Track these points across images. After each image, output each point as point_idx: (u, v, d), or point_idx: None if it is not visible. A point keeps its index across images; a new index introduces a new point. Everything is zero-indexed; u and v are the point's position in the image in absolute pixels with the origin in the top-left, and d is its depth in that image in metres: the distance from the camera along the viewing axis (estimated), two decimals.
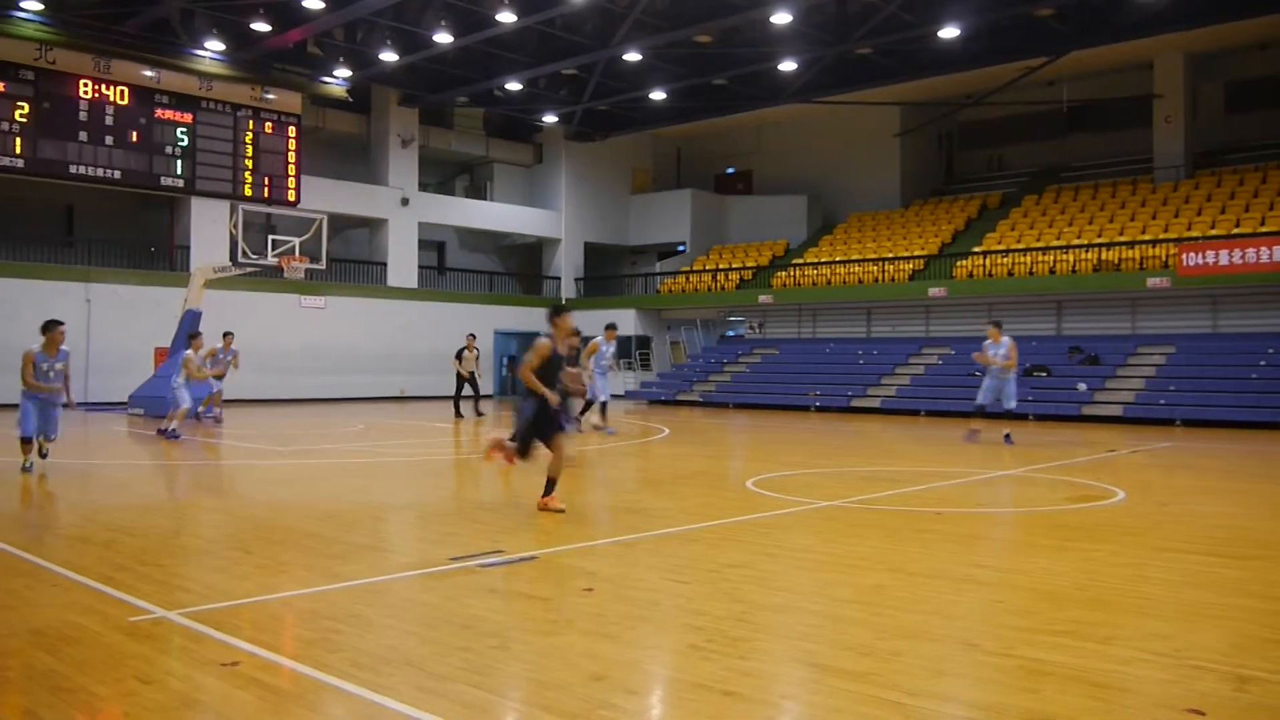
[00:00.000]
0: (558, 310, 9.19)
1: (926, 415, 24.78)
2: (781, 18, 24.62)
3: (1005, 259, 27.87)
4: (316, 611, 5.55)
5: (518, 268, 39.35)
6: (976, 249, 29.15)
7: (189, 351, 17.94)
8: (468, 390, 24.13)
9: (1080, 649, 4.79)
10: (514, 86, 31.27)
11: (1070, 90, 31.24)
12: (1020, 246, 28.24)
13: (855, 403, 26.90)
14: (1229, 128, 30.56)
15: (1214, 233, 25.19)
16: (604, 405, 18.79)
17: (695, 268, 36.17)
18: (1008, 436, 16.55)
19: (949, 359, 27.41)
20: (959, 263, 28.82)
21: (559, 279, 37.86)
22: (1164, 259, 24.83)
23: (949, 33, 25.52)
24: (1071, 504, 10.06)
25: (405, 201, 33.29)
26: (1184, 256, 24.02)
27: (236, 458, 14.44)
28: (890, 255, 30.72)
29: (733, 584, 6.22)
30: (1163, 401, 22.33)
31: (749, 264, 34.80)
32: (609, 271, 39.77)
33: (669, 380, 32.96)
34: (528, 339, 36.65)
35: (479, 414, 23.63)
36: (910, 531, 8.31)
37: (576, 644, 4.98)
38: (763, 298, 32.11)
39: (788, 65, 28.56)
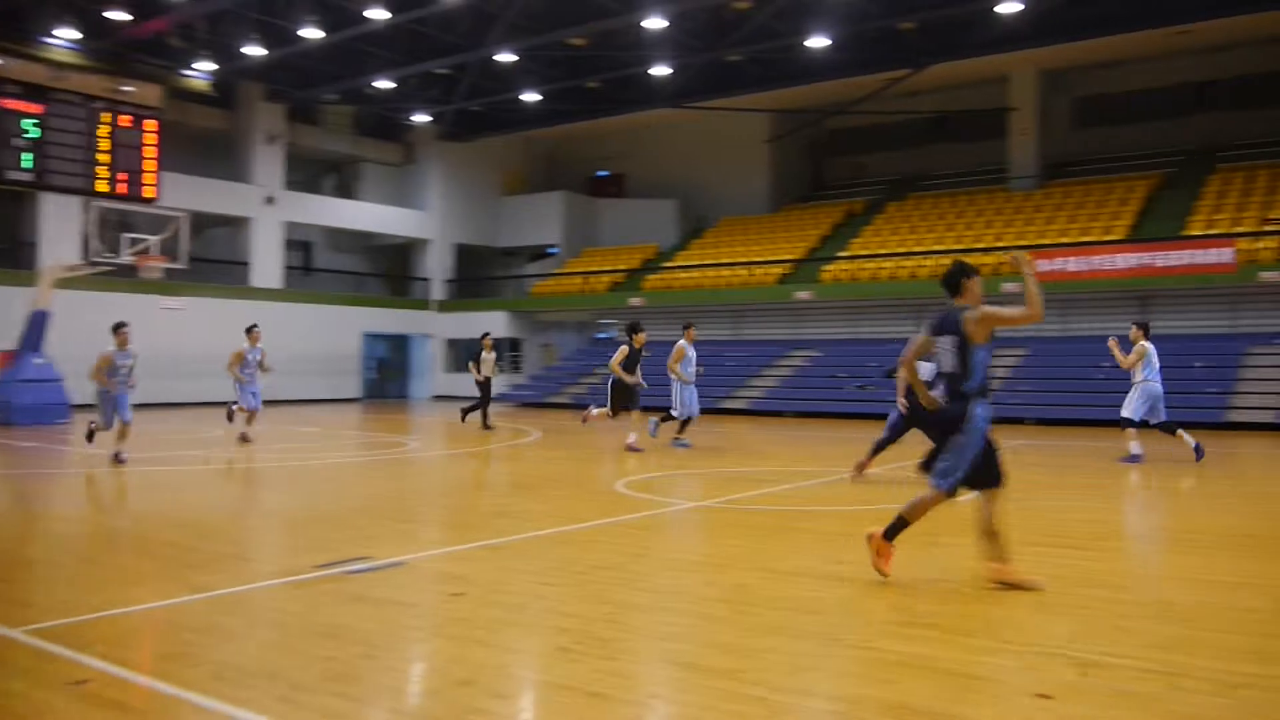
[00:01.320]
0: (967, 270, 6.22)
1: (793, 416, 25.29)
2: (655, 23, 24.85)
3: (869, 264, 28.66)
4: (175, 623, 5.38)
5: (386, 269, 38.70)
6: (842, 254, 29.90)
7: (110, 349, 13.89)
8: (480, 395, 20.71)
9: (937, 640, 4.98)
10: (385, 84, 30.76)
11: (931, 102, 32.36)
12: (884, 252, 29.08)
13: (723, 404, 27.27)
14: (1078, 141, 32.10)
15: (1063, 240, 26.40)
16: (686, 421, 16.18)
17: (566, 270, 36.16)
18: (1134, 456, 13.55)
19: (816, 361, 28.04)
20: (825, 267, 29.51)
21: (429, 280, 37.39)
22: None
23: (817, 42, 26.14)
24: None
25: (270, 200, 32.40)
26: (1036, 263, 25.07)
27: (87, 466, 13.82)
28: (759, 259, 31.27)
29: (601, 585, 6.26)
30: (1015, 401, 23.27)
31: (620, 267, 34.96)
32: (480, 273, 39.45)
33: (540, 383, 32.89)
34: (397, 341, 36.48)
35: (488, 427, 20.27)
36: (776, 530, 8.49)
37: (444, 650, 4.95)
38: (633, 300, 32.28)
39: (660, 70, 28.83)
